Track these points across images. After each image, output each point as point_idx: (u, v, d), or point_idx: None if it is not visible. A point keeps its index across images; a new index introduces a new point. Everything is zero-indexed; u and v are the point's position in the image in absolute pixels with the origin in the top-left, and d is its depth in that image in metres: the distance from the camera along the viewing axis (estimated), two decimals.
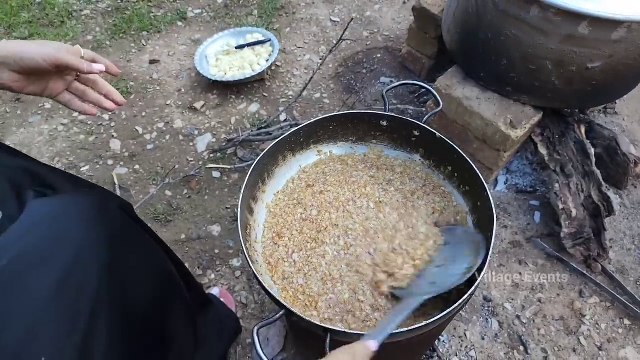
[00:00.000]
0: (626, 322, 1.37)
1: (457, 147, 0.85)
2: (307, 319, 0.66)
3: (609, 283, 1.43)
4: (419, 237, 0.82)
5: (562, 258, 1.46)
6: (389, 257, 0.80)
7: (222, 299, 1.31)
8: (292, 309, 0.67)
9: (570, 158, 1.48)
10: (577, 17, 1.13)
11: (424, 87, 0.93)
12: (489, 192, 0.78)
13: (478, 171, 0.81)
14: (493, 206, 0.77)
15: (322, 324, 0.66)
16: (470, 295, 0.70)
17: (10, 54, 0.66)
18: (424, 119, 0.88)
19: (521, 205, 1.61)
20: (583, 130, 1.53)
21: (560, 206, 1.44)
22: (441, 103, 0.90)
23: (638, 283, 1.44)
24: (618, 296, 1.38)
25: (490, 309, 1.39)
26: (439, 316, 0.67)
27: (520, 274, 1.46)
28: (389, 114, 0.90)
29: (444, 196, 0.92)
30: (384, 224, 0.87)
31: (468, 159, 0.83)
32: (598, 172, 1.45)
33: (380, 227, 0.86)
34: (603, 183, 1.44)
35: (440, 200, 0.91)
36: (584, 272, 1.43)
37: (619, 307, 1.39)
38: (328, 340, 0.65)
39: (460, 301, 0.68)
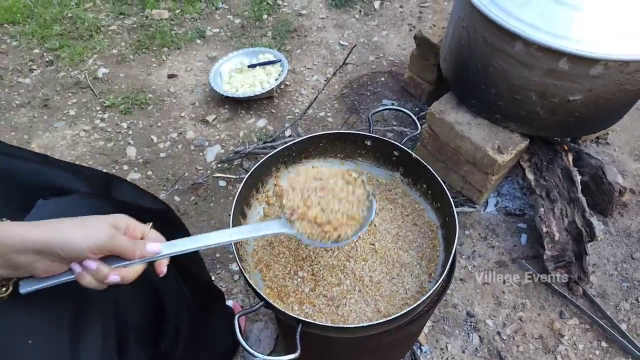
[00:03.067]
0: (604, 344, 1.42)
1: (430, 168, 0.94)
2: (281, 309, 0.76)
3: (589, 306, 1.48)
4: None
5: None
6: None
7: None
8: (269, 301, 0.76)
9: (556, 184, 1.56)
10: (557, 53, 1.22)
11: (404, 112, 1.03)
12: (454, 209, 0.87)
13: (447, 190, 0.90)
14: (457, 222, 0.85)
15: (294, 315, 0.75)
16: (429, 297, 0.79)
17: (57, 241, 0.56)
18: (403, 140, 0.98)
19: (509, 227, 1.68)
20: (570, 158, 1.61)
21: (544, 229, 1.51)
22: (419, 127, 0.99)
23: (618, 307, 1.49)
24: (597, 319, 1.44)
25: (472, 324, 1.46)
26: (398, 314, 0.75)
27: (503, 292, 1.53)
28: (372, 135, 1.00)
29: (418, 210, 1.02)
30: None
31: (439, 179, 0.92)
32: (583, 198, 1.52)
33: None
34: (587, 209, 1.51)
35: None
36: (565, 294, 1.49)
37: (597, 330, 1.44)
38: (299, 329, 0.74)
39: (419, 302, 0.77)
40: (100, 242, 0.58)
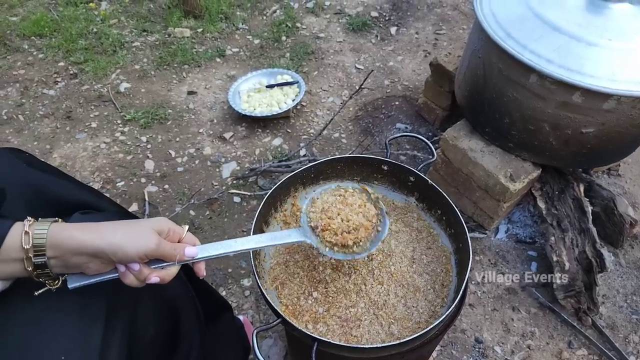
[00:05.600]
0: None
1: (445, 195, 0.97)
2: (298, 327, 0.78)
3: (598, 337, 1.48)
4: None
5: (554, 308, 1.53)
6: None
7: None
8: (286, 318, 0.79)
9: (567, 214, 1.57)
10: (570, 87, 1.25)
11: (422, 140, 1.06)
12: (468, 235, 0.89)
13: (461, 217, 0.93)
14: (470, 249, 0.88)
15: (310, 334, 0.77)
16: (442, 322, 0.81)
17: (110, 247, 0.61)
18: (419, 167, 1.01)
19: (519, 254, 1.69)
20: (582, 188, 1.62)
21: (555, 258, 1.52)
22: (435, 155, 1.02)
23: (627, 340, 1.49)
24: (606, 350, 1.44)
25: (480, 350, 1.47)
26: (411, 337, 0.77)
27: (512, 319, 1.53)
28: (389, 160, 1.03)
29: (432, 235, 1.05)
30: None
31: (454, 205, 0.94)
32: (594, 229, 1.53)
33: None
34: (597, 240, 1.52)
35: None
36: (574, 323, 1.49)
37: None
38: (315, 348, 0.76)
39: (432, 326, 0.79)
40: (149, 250, 0.64)
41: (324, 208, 0.91)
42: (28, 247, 0.58)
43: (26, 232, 0.59)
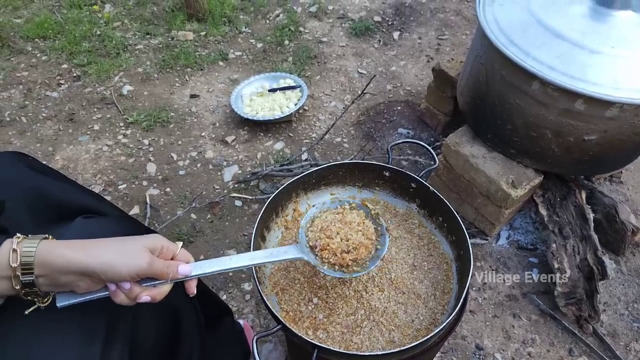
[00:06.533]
0: None
1: (446, 202, 0.97)
2: (298, 334, 0.78)
3: (599, 345, 1.48)
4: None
5: (555, 316, 1.52)
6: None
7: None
8: (287, 324, 0.79)
9: (569, 221, 1.57)
10: (573, 94, 1.25)
11: (424, 146, 1.06)
12: (469, 243, 0.89)
13: (462, 224, 0.93)
14: (472, 257, 0.88)
15: (311, 340, 0.77)
16: (442, 329, 0.81)
17: (100, 266, 0.60)
18: (421, 173, 1.01)
19: (521, 261, 1.69)
20: (584, 195, 1.62)
21: (556, 265, 1.52)
22: (437, 161, 1.03)
23: (628, 348, 1.48)
24: (607, 359, 1.43)
25: (481, 357, 1.46)
26: (411, 345, 0.77)
27: (513, 326, 1.53)
28: (390, 166, 1.03)
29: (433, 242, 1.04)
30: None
31: (455, 212, 0.94)
32: (595, 236, 1.53)
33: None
34: (599, 247, 1.51)
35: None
36: (575, 331, 1.49)
37: None
38: (315, 354, 0.76)
39: (432, 334, 0.78)
40: (140, 269, 0.62)
41: (323, 227, 0.90)
42: (15, 265, 0.57)
43: (14, 250, 0.57)
